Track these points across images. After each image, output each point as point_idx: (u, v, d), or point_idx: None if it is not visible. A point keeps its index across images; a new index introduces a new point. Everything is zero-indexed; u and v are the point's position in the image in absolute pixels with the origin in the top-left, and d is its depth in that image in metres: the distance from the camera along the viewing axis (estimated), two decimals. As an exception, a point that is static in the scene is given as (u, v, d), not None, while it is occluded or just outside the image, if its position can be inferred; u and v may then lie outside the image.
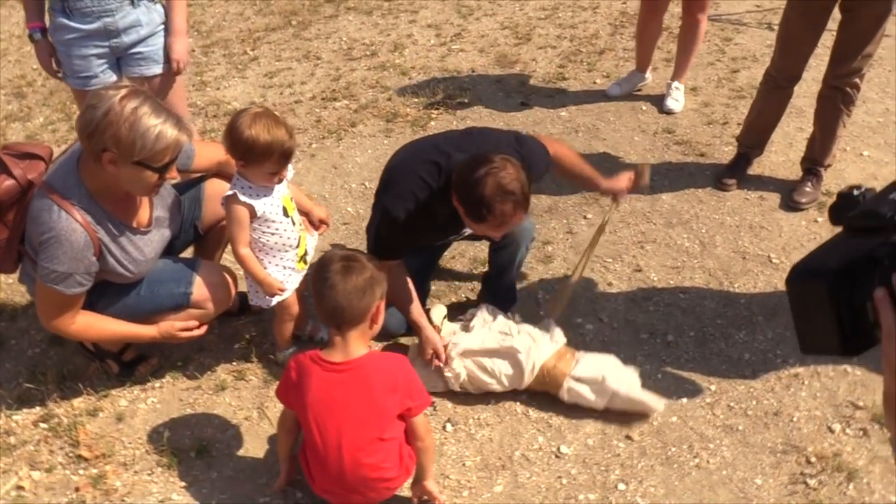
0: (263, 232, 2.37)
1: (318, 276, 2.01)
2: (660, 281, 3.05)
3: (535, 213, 3.46)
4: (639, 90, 4.52)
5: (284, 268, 2.47)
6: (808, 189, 3.42)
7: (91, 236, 2.18)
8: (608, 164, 3.81)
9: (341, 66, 5.06)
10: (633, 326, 2.83)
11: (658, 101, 4.35)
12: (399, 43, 5.36)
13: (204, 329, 2.51)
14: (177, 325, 2.44)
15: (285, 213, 2.39)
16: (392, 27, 5.66)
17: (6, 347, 2.81)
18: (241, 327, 2.87)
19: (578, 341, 2.74)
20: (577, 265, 2.82)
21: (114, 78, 2.89)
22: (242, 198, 2.29)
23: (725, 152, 3.83)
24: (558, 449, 2.36)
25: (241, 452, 2.41)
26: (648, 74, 4.56)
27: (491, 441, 2.40)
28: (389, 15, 5.90)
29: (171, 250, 2.64)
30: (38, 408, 2.57)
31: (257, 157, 2.22)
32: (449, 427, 2.45)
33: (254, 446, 2.42)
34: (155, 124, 2.05)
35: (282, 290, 2.43)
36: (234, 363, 2.72)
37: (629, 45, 5.11)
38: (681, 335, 2.78)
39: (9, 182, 2.24)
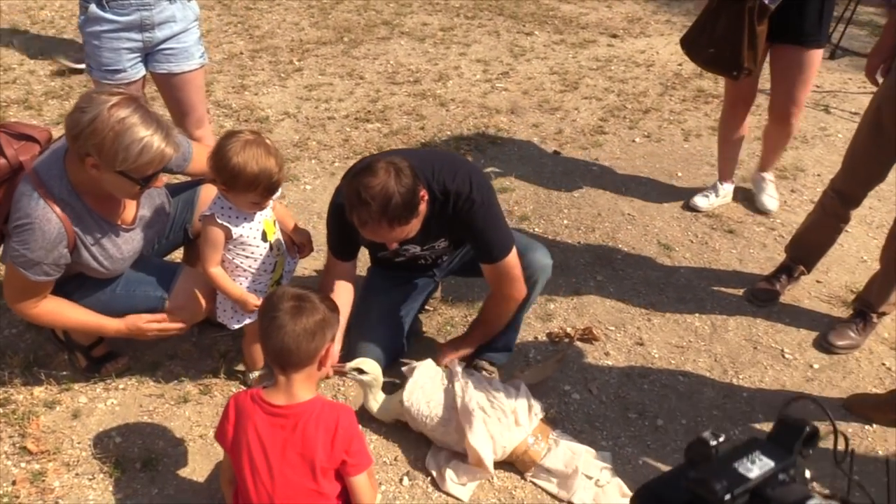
0: (238, 254, 2.29)
1: (266, 314, 1.89)
2: (661, 359, 2.88)
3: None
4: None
5: (256, 290, 2.38)
6: (851, 333, 2.95)
7: (66, 229, 2.12)
8: (630, 227, 3.67)
9: (382, 88, 5.02)
10: (622, 403, 2.66)
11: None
12: (445, 73, 5.31)
13: (177, 327, 2.41)
14: (144, 318, 2.36)
15: (264, 238, 2.31)
16: (441, 57, 5.62)
17: (-17, 324, 2.78)
18: (220, 340, 2.78)
19: (561, 411, 2.59)
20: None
21: (142, 73, 2.87)
22: (220, 220, 2.21)
23: (756, 233, 3.66)
24: (516, 525, 2.21)
25: (187, 472, 2.30)
26: (731, 186, 3.91)
27: (447, 504, 2.26)
28: (441, 45, 5.87)
29: (160, 250, 2.59)
30: (-2, 390, 2.51)
31: (242, 186, 2.14)
32: (406, 481, 2.31)
33: (202, 467, 2.31)
34: (141, 137, 1.98)
35: (257, 308, 2.34)
36: (203, 377, 2.63)
37: (676, 108, 4.97)
38: (672, 421, 2.60)
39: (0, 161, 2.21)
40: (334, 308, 2.00)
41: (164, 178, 2.80)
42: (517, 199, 3.87)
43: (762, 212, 3.79)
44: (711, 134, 4.61)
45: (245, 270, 2.34)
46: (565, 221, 3.71)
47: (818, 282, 3.33)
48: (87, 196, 2.17)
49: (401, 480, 2.32)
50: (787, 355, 2.92)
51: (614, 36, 6.28)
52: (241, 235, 2.26)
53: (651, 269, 3.39)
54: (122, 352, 2.64)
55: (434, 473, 2.32)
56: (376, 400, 2.44)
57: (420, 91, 5.01)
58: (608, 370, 2.80)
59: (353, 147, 4.24)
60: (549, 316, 3.05)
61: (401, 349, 2.69)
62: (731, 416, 2.63)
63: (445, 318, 3.00)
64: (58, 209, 2.10)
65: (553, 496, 2.29)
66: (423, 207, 2.17)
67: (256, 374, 2.56)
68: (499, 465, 2.34)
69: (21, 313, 2.27)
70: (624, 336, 2.98)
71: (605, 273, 3.34)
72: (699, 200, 3.83)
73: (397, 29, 6.14)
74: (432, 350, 2.76)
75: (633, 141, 4.54)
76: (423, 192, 2.17)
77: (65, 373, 2.58)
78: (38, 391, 2.52)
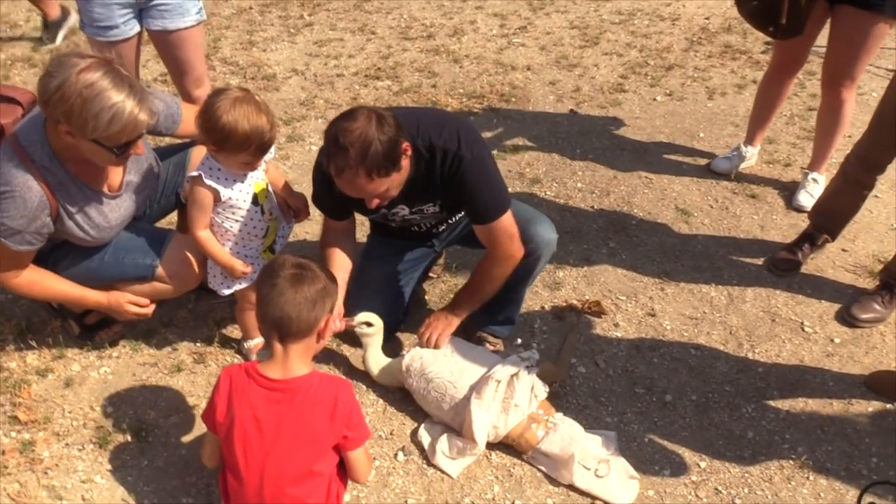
0: (227, 217, 2.20)
1: (266, 281, 1.82)
2: (673, 331, 2.75)
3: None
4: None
5: (247, 256, 2.29)
6: (876, 305, 2.78)
7: (48, 198, 2.04)
8: (647, 191, 3.51)
9: (394, 44, 4.85)
10: (630, 378, 2.55)
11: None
12: (459, 28, 5.12)
13: (151, 309, 2.35)
14: (127, 298, 2.29)
15: (255, 202, 2.21)
16: (457, 11, 5.42)
17: (-21, 288, 2.73)
18: (217, 307, 2.72)
19: (566, 385, 2.49)
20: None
21: (136, 30, 2.75)
22: (208, 181, 2.11)
23: (780, 198, 3.48)
24: (512, 504, 2.13)
25: (177, 444, 2.25)
26: (756, 150, 3.69)
27: (442, 480, 2.18)
28: (458, -2, 5.66)
29: (153, 215, 2.51)
30: (-9, 357, 2.48)
31: (232, 146, 2.04)
32: (401, 456, 2.24)
33: (192, 440, 2.26)
34: (112, 104, 1.86)
35: (245, 273, 2.26)
36: (198, 344, 2.57)
37: (701, 65, 4.74)
38: (681, 397, 2.49)
39: (-23, 123, 2.12)
40: (334, 279, 1.93)
41: (152, 141, 2.71)
42: (529, 160, 3.72)
43: (796, 208, 3.43)
44: (737, 92, 4.40)
45: (235, 235, 2.25)
46: (579, 184, 3.56)
47: (843, 250, 3.17)
48: (70, 163, 2.08)
49: (396, 455, 2.25)
50: (806, 328, 2.78)
51: (639, -13, 5.99)
52: (230, 198, 2.16)
53: (667, 235, 3.24)
54: (116, 319, 2.58)
55: (426, 446, 2.25)
56: (376, 360, 2.37)
57: (433, 47, 4.83)
58: (616, 342, 2.69)
59: (362, 105, 4.09)
60: (557, 284, 2.94)
61: (398, 320, 2.60)
62: (744, 391, 2.51)
63: (449, 285, 2.90)
64: (39, 176, 2.02)
65: (554, 476, 2.21)
66: (405, 162, 2.05)
67: (252, 343, 2.49)
68: (498, 444, 2.26)
69: (3, 283, 2.21)
70: (635, 306, 2.85)
71: (618, 239, 3.21)
72: (721, 163, 3.65)
73: (412, -19, 5.92)
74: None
75: (654, 99, 4.34)
76: (407, 146, 2.05)
77: (58, 340, 2.54)
78: (31, 359, 2.48)
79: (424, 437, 2.27)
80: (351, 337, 2.51)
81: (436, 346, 2.33)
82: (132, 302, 2.29)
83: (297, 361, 1.83)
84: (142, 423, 2.30)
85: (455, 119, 2.25)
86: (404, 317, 2.64)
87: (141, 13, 2.73)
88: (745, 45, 4.97)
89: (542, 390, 2.28)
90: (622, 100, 4.33)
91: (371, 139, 1.93)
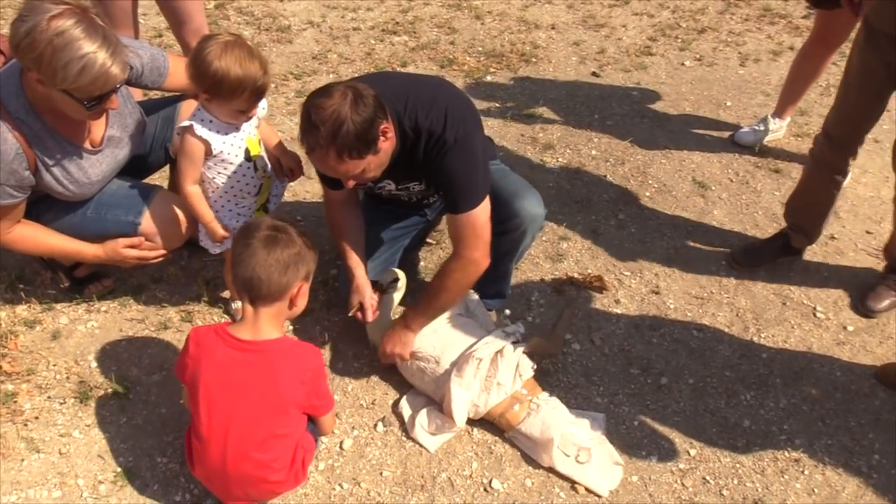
0: (219, 172, 2.14)
1: (241, 241, 1.78)
2: (676, 310, 2.64)
3: (562, 202, 3.09)
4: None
5: (239, 214, 2.24)
6: (890, 291, 2.64)
7: (25, 150, 1.98)
8: (664, 161, 3.36)
9: (415, -3, 4.70)
10: (626, 357, 2.46)
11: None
12: (485, -18, 4.93)
13: (157, 254, 2.31)
14: (122, 243, 2.25)
15: (247, 157, 2.14)
16: (484, -36, 5.21)
17: (-24, 235, 2.72)
18: (209, 265, 2.68)
19: (557, 361, 2.41)
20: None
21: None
22: (199, 131, 2.04)
23: (805, 173, 3.30)
24: (490, 483, 2.07)
25: (157, 401, 2.23)
26: (784, 123, 3.49)
27: (420, 454, 2.13)
28: (486, -50, 5.44)
29: (138, 173, 2.45)
30: (-18, 307, 2.48)
31: (225, 92, 1.97)
32: (380, 427, 2.20)
33: (172, 399, 2.23)
34: (82, 54, 1.78)
35: (225, 238, 2.20)
36: (187, 303, 2.54)
37: (736, 28, 4.51)
38: (677, 380, 2.39)
39: (-46, 70, 2.07)
40: (312, 247, 1.86)
41: (140, 94, 2.65)
42: (543, 125, 3.58)
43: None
44: (772, 59, 4.18)
45: (227, 192, 2.19)
46: (593, 152, 3.42)
47: (868, 232, 3.00)
48: (47, 115, 2.02)
49: (375, 426, 2.20)
50: (818, 314, 2.65)
51: (678, -56, 5.71)
52: (221, 151, 2.10)
53: (681, 209, 3.11)
54: (108, 273, 2.56)
55: (405, 418, 2.19)
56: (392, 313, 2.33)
57: (455, 2, 4.67)
58: (615, 319, 2.59)
59: (376, 61, 3.99)
60: (559, 256, 2.83)
61: (386, 286, 2.53)
62: (744, 378, 2.40)
63: (447, 251, 2.81)
64: (14, 128, 1.96)
65: (533, 458, 2.14)
66: (384, 144, 1.94)
67: (239, 304, 2.45)
68: (480, 420, 2.19)
69: None
70: (639, 283, 2.74)
71: (628, 211, 3.08)
72: (745, 135, 3.48)
73: (441, -68, 5.71)
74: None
75: (682, 64, 4.15)
76: (386, 127, 1.93)
77: (48, 292, 2.53)
78: (21, 309, 2.47)
79: (405, 409, 2.22)
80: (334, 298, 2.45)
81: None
82: (129, 245, 2.24)
83: (267, 325, 1.79)
84: (124, 380, 2.28)
85: (448, 95, 2.11)
86: (395, 283, 2.57)
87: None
88: (784, 9, 4.71)
89: (529, 369, 2.20)
90: (648, 63, 4.14)
91: (343, 118, 1.82)
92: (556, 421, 2.10)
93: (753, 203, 3.15)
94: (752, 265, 2.80)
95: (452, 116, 2.01)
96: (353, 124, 1.83)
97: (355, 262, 2.24)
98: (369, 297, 2.21)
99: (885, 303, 2.62)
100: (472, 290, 2.35)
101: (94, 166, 2.16)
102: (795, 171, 3.31)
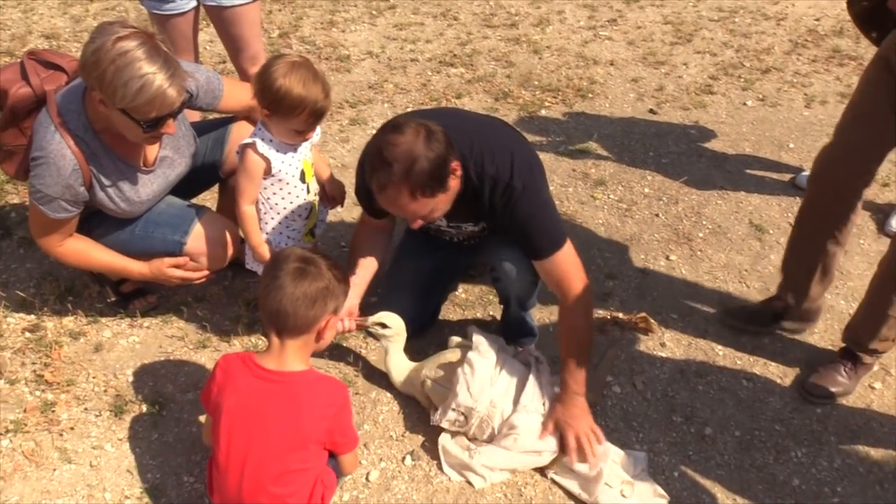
0: (274, 193, 2.17)
1: (269, 272, 1.77)
2: (725, 357, 2.53)
3: (611, 240, 3.01)
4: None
5: (289, 237, 2.25)
6: (838, 377, 2.37)
7: (81, 166, 2.05)
8: (720, 202, 3.26)
9: (475, 31, 4.73)
10: (668, 404, 2.35)
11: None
12: (545, 18, 4.93)
13: (202, 274, 2.34)
14: (167, 262, 2.28)
15: (302, 178, 2.16)
16: (546, 0, 5.22)
17: (33, 248, 2.80)
18: (252, 286, 2.69)
19: (596, 404, 2.32)
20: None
21: (192, 4, 2.74)
22: (261, 149, 2.07)
23: (872, 221, 3.15)
24: (517, 526, 2.00)
25: (189, 420, 2.24)
26: None
27: (447, 491, 2.07)
28: (549, -14, 5.45)
29: (187, 192, 2.50)
30: (32, 315, 2.54)
31: (285, 109, 2.00)
32: (409, 461, 2.15)
33: (204, 418, 2.23)
34: (142, 74, 1.84)
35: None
36: (227, 323, 2.55)
37: (802, 69, 4.39)
38: (723, 431, 2.28)
39: (24, 90, 2.15)
40: (343, 279, 1.84)
41: (196, 116, 2.71)
42: (596, 160, 3.52)
43: (888, 234, 3.09)
44: (839, 101, 4.03)
45: (280, 213, 2.21)
46: (646, 190, 3.34)
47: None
48: (105, 134, 2.08)
49: (403, 459, 2.15)
50: (880, 370, 2.49)
51: (746, -17, 5.61)
52: (279, 170, 2.13)
53: (736, 252, 2.99)
54: (153, 290, 2.61)
55: (453, 453, 2.12)
56: (398, 365, 2.27)
57: (515, 36, 4.67)
58: (660, 363, 2.49)
59: (431, 92, 4.01)
60: (605, 295, 2.75)
61: (425, 322, 2.50)
62: (795, 433, 2.27)
63: (489, 285, 2.77)
64: (73, 145, 2.03)
65: (574, 497, 2.06)
66: (454, 183, 1.91)
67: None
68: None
69: (47, 251, 2.25)
70: (686, 326, 2.64)
71: (680, 252, 2.98)
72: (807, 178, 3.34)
73: (504, -32, 5.76)
74: (469, 320, 2.56)
75: (744, 104, 4.04)
76: (456, 165, 1.90)
77: (96, 305, 2.58)
78: (67, 321, 2.53)
79: (452, 447, 2.15)
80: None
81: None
82: (173, 265, 2.27)
83: (292, 357, 1.77)
84: (159, 396, 2.30)
85: (511, 140, 2.10)
86: (434, 319, 2.54)
87: (197, -14, 2.72)
88: (855, 51, 4.56)
89: None
90: (708, 102, 4.04)
91: (417, 155, 1.78)
92: (604, 455, 2.02)
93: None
94: (751, 322, 2.63)
95: (519, 163, 1.98)
96: (427, 161, 1.79)
97: (356, 282, 2.21)
98: (346, 317, 2.18)
99: (835, 389, 2.36)
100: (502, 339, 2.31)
101: (146, 185, 2.21)
102: (860, 219, 3.15)
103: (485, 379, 2.09)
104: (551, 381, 2.20)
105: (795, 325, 2.59)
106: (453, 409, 2.09)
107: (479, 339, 2.16)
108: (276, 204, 2.20)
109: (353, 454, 1.88)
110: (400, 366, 2.27)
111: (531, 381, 2.13)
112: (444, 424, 2.13)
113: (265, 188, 2.18)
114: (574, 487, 2.07)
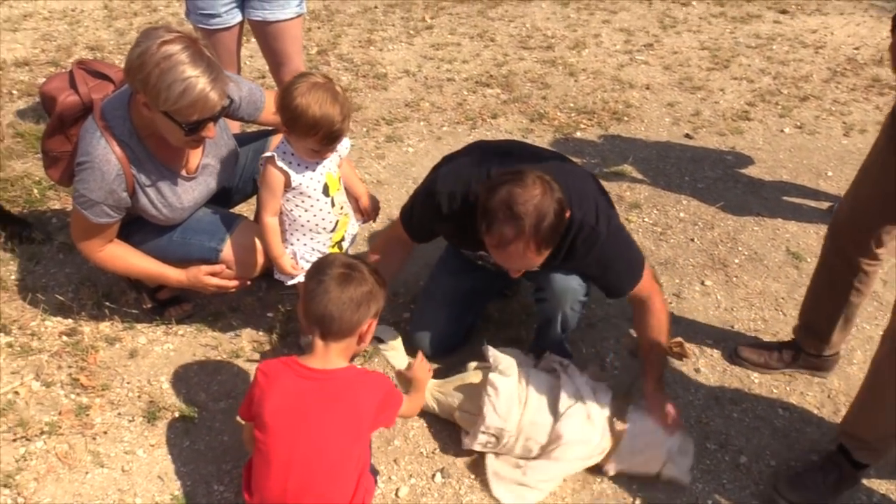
0: (297, 205, 2.17)
1: (314, 277, 1.80)
2: (761, 386, 2.49)
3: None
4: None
5: (313, 249, 2.26)
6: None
7: (125, 171, 2.08)
8: (757, 229, 3.22)
9: (511, 52, 4.75)
10: (703, 430, 2.32)
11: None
12: (582, 41, 4.95)
13: (236, 283, 2.36)
14: (204, 270, 2.31)
15: (325, 192, 2.17)
16: (582, 23, 5.25)
17: (73, 254, 2.85)
18: (286, 298, 2.71)
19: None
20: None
21: (237, 19, 2.80)
22: (280, 163, 2.09)
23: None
24: (547, 549, 1.97)
25: (221, 429, 2.25)
26: None
27: (477, 511, 2.06)
28: (585, 10, 5.49)
29: (226, 201, 2.53)
30: (69, 320, 2.58)
31: (300, 128, 2.01)
32: (438, 478, 2.13)
33: (236, 428, 2.24)
34: (185, 77, 1.88)
35: (293, 274, 2.22)
36: (261, 333, 2.57)
37: (841, 97, 4.34)
38: (758, 460, 2.23)
39: (73, 98, 2.21)
40: (383, 284, 1.87)
41: (237, 127, 2.75)
42: (631, 183, 3.51)
43: None
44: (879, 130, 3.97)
45: (303, 225, 2.22)
46: (682, 214, 3.32)
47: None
48: (149, 140, 2.12)
49: (433, 476, 2.14)
50: (922, 404, 2.42)
51: (783, 12, 5.60)
52: (300, 184, 2.14)
53: (772, 279, 2.95)
54: (188, 298, 2.63)
55: (504, 474, 2.11)
56: (399, 382, 2.25)
57: (551, 58, 4.69)
58: (694, 389, 2.46)
59: (467, 112, 4.03)
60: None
61: (458, 341, 2.49)
62: (834, 466, 2.21)
63: (523, 305, 2.76)
64: (118, 150, 2.07)
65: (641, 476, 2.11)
66: None
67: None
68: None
69: (87, 256, 2.29)
70: (721, 353, 2.60)
71: (715, 278, 2.95)
72: None
73: (541, -9, 5.80)
74: (501, 340, 2.55)
75: (782, 131, 4.00)
76: (568, 214, 1.90)
77: (132, 312, 2.61)
78: (104, 326, 2.56)
79: (505, 470, 2.13)
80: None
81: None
82: (210, 272, 2.30)
83: (336, 357, 1.80)
84: (192, 404, 2.31)
85: (591, 182, 2.13)
86: (466, 337, 2.53)
87: (244, 3, 2.77)
88: (896, 81, 4.51)
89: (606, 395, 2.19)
90: (745, 128, 4.01)
91: (547, 210, 1.79)
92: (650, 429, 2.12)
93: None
94: (752, 358, 2.55)
95: (603, 208, 2.02)
96: (554, 215, 1.80)
97: None
98: None
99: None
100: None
101: (188, 192, 2.24)
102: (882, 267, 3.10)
103: (511, 397, 2.08)
104: (586, 380, 2.19)
105: (809, 374, 2.52)
106: (483, 432, 2.09)
107: (496, 357, 2.15)
108: (299, 216, 2.21)
109: (406, 403, 1.93)
110: (401, 383, 2.24)
111: (565, 386, 2.12)
112: (476, 447, 2.12)
113: (287, 200, 2.19)
114: (633, 469, 2.12)
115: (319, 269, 1.80)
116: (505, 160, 2.02)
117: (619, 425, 2.10)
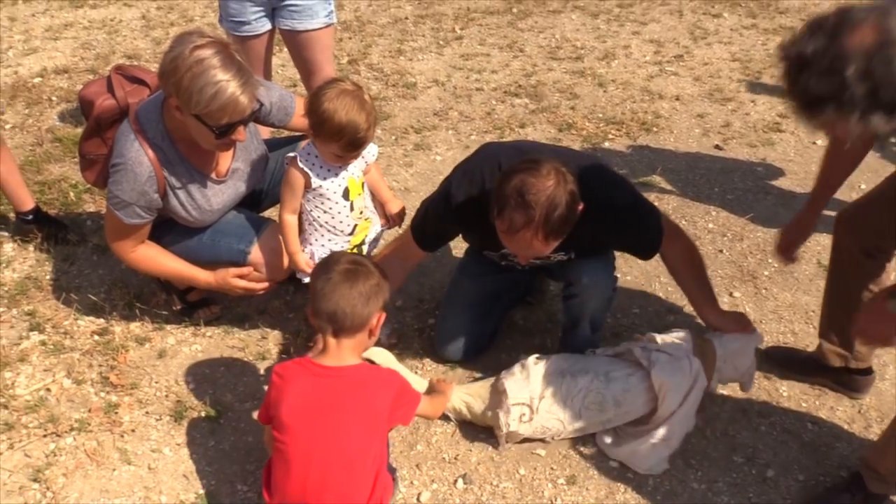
0: (316, 206, 2.21)
1: (321, 275, 1.80)
2: (790, 399, 2.44)
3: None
4: None
5: (331, 251, 2.28)
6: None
7: (157, 173, 2.13)
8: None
9: (540, 63, 4.76)
10: (729, 443, 2.28)
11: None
12: (611, 52, 4.94)
13: (264, 286, 2.39)
14: (232, 272, 2.34)
15: (346, 196, 2.20)
16: (612, 35, 5.24)
17: (106, 255, 2.90)
18: (312, 302, 2.74)
19: (653, 438, 2.27)
20: None
21: (267, 28, 2.85)
22: (302, 164, 2.13)
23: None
24: (568, 558, 1.95)
25: (246, 429, 2.27)
26: None
27: (498, 518, 2.05)
28: (615, 21, 5.48)
29: (256, 205, 2.57)
30: (101, 319, 2.63)
31: (325, 133, 2.04)
32: (460, 484, 2.13)
33: (261, 429, 2.25)
34: (216, 81, 1.92)
35: (308, 272, 2.25)
36: (287, 336, 2.60)
37: (876, 110, 4.26)
38: (785, 474, 2.19)
39: (109, 101, 2.27)
40: (386, 276, 1.89)
41: (268, 133, 2.78)
42: (660, 193, 3.49)
43: None
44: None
45: (321, 226, 2.25)
46: (710, 225, 3.29)
47: None
48: (181, 143, 2.17)
49: (455, 482, 2.13)
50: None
51: (818, 24, 5.53)
52: (320, 186, 2.17)
53: (802, 292, 2.91)
54: (217, 300, 2.67)
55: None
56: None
57: (580, 69, 4.69)
58: (721, 401, 2.42)
59: (495, 121, 4.04)
60: (665, 328, 2.66)
61: (482, 345, 2.49)
62: (864, 482, 2.17)
63: (547, 313, 2.75)
64: (150, 153, 2.11)
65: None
66: None
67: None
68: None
69: (120, 256, 2.34)
70: (750, 365, 2.56)
71: (744, 290, 2.91)
72: None
73: (571, 2, 5.81)
74: (527, 346, 2.54)
75: (814, 143, 3.95)
76: (582, 207, 1.92)
77: (162, 312, 2.65)
78: (134, 326, 2.61)
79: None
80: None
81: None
82: (238, 275, 2.33)
83: (348, 354, 1.81)
84: (218, 404, 2.34)
85: (598, 161, 2.20)
86: (491, 340, 2.53)
87: (273, 12, 2.82)
88: None
89: None
90: (777, 140, 3.97)
91: (559, 201, 1.81)
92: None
93: None
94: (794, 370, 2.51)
95: (613, 180, 2.09)
96: (566, 206, 1.82)
97: None
98: None
99: None
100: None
101: (217, 195, 2.28)
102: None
103: (534, 371, 2.18)
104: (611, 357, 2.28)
105: (844, 392, 2.45)
106: (514, 405, 2.13)
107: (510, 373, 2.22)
108: (317, 217, 2.24)
109: (425, 404, 1.95)
110: None
111: (596, 358, 2.24)
112: (513, 425, 2.14)
113: (307, 201, 2.23)
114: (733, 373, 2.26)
115: (326, 267, 1.82)
116: (516, 157, 2.02)
117: (703, 342, 2.23)
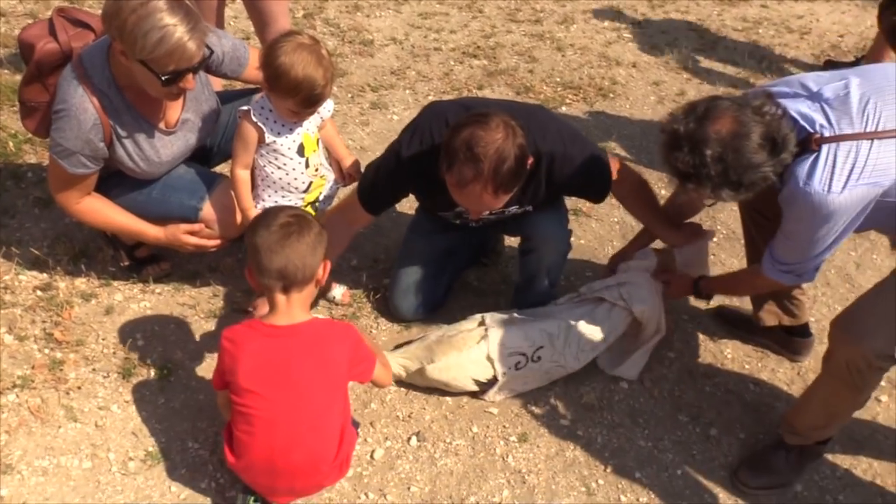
0: (269, 162, 2.16)
1: (263, 231, 1.75)
2: (734, 361, 2.52)
3: (625, 236, 3.01)
4: None
5: (285, 208, 2.24)
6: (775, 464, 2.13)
7: (102, 121, 2.05)
8: (735, 207, 3.24)
9: (499, 24, 4.71)
10: (675, 403, 2.35)
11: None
12: (570, 16, 4.92)
13: (216, 243, 2.34)
14: (182, 228, 2.28)
15: (300, 153, 2.15)
16: (572, -1, 5.21)
17: (49, 209, 2.79)
18: (265, 260, 2.69)
19: (603, 398, 2.33)
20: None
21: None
22: (255, 118, 2.07)
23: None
24: (518, 513, 2.00)
25: (197, 387, 2.24)
26: None
27: (450, 474, 2.07)
28: (575, -14, 5.44)
29: (206, 160, 2.50)
30: (44, 274, 2.54)
31: (281, 88, 1.99)
32: (413, 441, 2.15)
33: (212, 388, 2.22)
34: (162, 25, 1.84)
35: None
36: (239, 295, 2.56)
37: (825, 83, 4.36)
38: (728, 433, 2.27)
39: (51, 45, 2.15)
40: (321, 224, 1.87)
41: (220, 85, 2.70)
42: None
43: None
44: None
45: (275, 182, 2.20)
46: (663, 192, 3.32)
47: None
48: (128, 90, 2.08)
49: (409, 439, 2.15)
50: (888, 383, 2.48)
51: (772, -4, 5.60)
52: (274, 142, 2.12)
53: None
54: (166, 257, 2.61)
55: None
56: None
57: (539, 32, 4.66)
58: (668, 363, 2.49)
59: (453, 82, 4.00)
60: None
61: (437, 301, 2.50)
62: (801, 440, 2.26)
63: (502, 275, 2.77)
64: (95, 99, 2.03)
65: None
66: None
67: (338, 291, 2.55)
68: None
69: (64, 208, 2.25)
70: (696, 328, 2.63)
71: (730, 252, 2.96)
72: None
73: (531, -36, 5.74)
74: (480, 307, 2.55)
75: (765, 114, 4.02)
76: (531, 161, 1.93)
77: (109, 269, 2.58)
78: (80, 282, 2.53)
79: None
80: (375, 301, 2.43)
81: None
82: (189, 231, 2.27)
83: (299, 310, 1.79)
84: (168, 362, 2.30)
85: (550, 115, 2.20)
86: (445, 297, 2.54)
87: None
88: (879, 69, 4.54)
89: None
90: (729, 110, 4.03)
91: (507, 154, 1.81)
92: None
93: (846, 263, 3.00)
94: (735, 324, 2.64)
95: (565, 131, 2.09)
96: (514, 159, 1.81)
97: None
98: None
99: (763, 480, 2.12)
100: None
101: (166, 147, 2.21)
102: (879, 238, 3.15)
103: (526, 323, 2.28)
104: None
105: (786, 355, 2.55)
106: (511, 355, 2.20)
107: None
108: (271, 174, 2.19)
109: (380, 369, 1.93)
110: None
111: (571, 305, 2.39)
112: (510, 371, 2.22)
113: (261, 157, 2.17)
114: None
115: (266, 223, 1.76)
116: (462, 113, 2.00)
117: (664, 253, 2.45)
